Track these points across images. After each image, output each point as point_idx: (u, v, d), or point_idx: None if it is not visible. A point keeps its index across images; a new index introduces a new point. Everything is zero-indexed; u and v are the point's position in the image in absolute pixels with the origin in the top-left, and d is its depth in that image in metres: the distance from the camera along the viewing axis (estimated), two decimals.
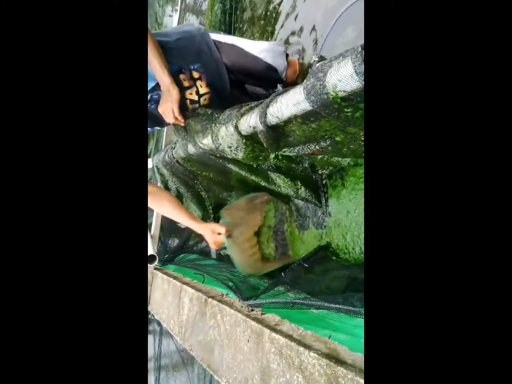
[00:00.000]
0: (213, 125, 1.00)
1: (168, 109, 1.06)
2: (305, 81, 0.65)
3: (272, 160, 0.99)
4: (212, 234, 1.11)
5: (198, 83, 1.12)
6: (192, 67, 1.09)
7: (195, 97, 1.15)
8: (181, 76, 1.09)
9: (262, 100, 0.83)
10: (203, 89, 1.14)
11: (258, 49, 1.17)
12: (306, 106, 0.67)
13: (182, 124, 1.14)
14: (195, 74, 1.11)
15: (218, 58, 1.13)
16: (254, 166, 1.04)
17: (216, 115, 1.07)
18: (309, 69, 1.36)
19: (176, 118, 1.09)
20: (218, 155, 1.13)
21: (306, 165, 1.07)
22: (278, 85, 1.40)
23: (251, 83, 1.36)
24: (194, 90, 1.13)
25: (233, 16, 1.96)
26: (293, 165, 1.03)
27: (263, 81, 1.28)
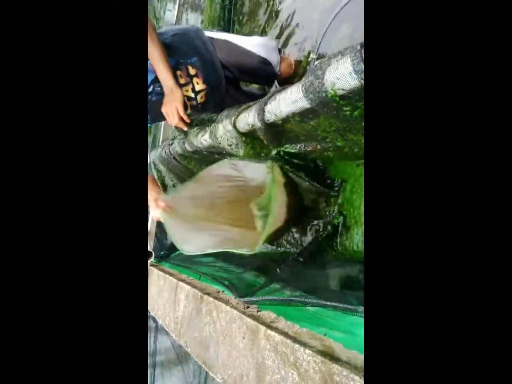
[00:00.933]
0: (212, 124, 1.00)
1: (172, 109, 1.03)
2: (303, 78, 0.65)
3: (274, 156, 0.98)
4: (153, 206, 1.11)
5: (195, 80, 1.12)
6: (189, 61, 1.09)
7: (192, 94, 1.14)
8: (178, 73, 1.08)
9: (259, 99, 0.83)
10: (199, 86, 1.14)
11: (251, 43, 1.17)
12: (304, 104, 0.67)
13: (185, 129, 1.11)
14: (192, 71, 1.10)
15: (213, 52, 1.13)
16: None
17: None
18: (307, 67, 1.36)
19: (181, 119, 1.06)
20: (221, 153, 1.12)
21: (311, 163, 1.06)
22: (275, 82, 1.40)
23: (247, 79, 1.36)
24: (190, 87, 1.12)
25: (232, 11, 1.94)
26: (296, 161, 1.02)
27: (258, 76, 1.27)
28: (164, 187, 1.66)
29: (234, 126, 0.89)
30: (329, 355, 0.61)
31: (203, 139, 1.06)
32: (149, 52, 0.95)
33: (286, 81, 1.37)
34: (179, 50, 1.08)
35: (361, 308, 0.58)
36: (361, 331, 0.62)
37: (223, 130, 0.93)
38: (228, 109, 0.96)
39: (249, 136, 0.92)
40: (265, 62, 1.20)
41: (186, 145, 1.21)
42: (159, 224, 1.84)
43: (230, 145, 0.96)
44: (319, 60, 0.62)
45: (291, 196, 1.02)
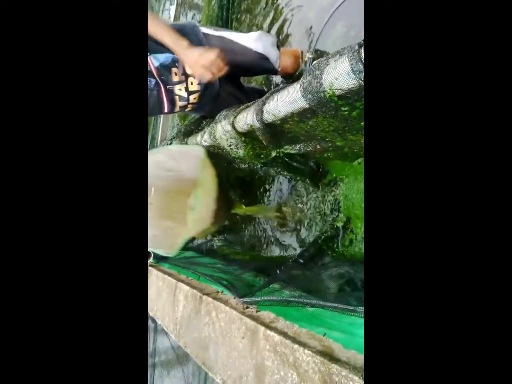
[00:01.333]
0: (211, 125, 1.00)
1: (204, 54, 0.97)
2: (301, 78, 0.65)
3: (274, 157, 0.98)
4: None
5: (190, 79, 1.10)
6: None
7: (184, 94, 1.12)
8: (174, 70, 1.06)
9: (258, 99, 0.83)
10: (193, 87, 1.11)
11: (247, 39, 1.14)
12: (302, 104, 0.66)
13: (219, 73, 1.01)
14: (188, 70, 1.09)
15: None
16: (259, 165, 1.02)
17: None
18: (303, 67, 1.35)
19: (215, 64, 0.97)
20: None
21: (312, 164, 1.06)
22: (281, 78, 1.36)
23: (245, 76, 1.32)
24: (183, 86, 1.10)
25: (230, 10, 1.93)
26: (296, 163, 1.01)
27: (256, 73, 1.24)
28: None
29: (233, 126, 0.89)
30: (329, 355, 0.60)
31: (203, 139, 1.06)
32: (153, 30, 0.93)
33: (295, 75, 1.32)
34: None
35: (361, 309, 0.58)
36: (360, 331, 0.62)
37: (222, 130, 0.93)
38: (226, 110, 0.96)
39: (248, 136, 0.91)
40: (262, 57, 1.16)
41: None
42: None
43: (230, 146, 0.96)
44: (318, 60, 0.62)
45: (220, 199, 0.99)
